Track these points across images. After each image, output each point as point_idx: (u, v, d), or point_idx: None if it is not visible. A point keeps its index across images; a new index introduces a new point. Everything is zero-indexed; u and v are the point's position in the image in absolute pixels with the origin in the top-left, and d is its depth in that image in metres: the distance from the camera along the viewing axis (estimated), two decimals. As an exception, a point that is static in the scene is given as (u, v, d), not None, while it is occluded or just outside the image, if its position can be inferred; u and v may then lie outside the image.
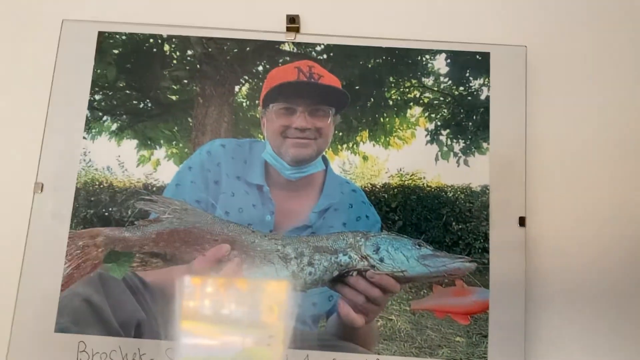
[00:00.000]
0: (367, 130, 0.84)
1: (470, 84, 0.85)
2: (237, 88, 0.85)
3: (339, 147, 0.83)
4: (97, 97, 0.84)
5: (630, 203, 0.83)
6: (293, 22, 0.88)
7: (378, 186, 0.82)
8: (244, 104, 0.85)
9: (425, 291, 0.79)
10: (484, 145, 0.82)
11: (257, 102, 0.84)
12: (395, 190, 0.82)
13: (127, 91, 0.85)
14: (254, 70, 0.85)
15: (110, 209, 0.82)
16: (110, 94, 0.85)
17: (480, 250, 0.79)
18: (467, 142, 0.83)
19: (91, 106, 0.84)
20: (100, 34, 0.86)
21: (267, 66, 0.85)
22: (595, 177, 0.83)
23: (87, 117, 0.84)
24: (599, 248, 0.81)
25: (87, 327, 0.78)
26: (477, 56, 0.85)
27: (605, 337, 0.79)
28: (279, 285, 0.78)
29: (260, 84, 0.85)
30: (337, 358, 0.77)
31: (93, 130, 0.84)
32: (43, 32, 0.88)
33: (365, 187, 0.82)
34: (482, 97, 0.84)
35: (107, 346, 0.77)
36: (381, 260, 0.78)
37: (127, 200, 0.82)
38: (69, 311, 0.78)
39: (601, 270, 0.80)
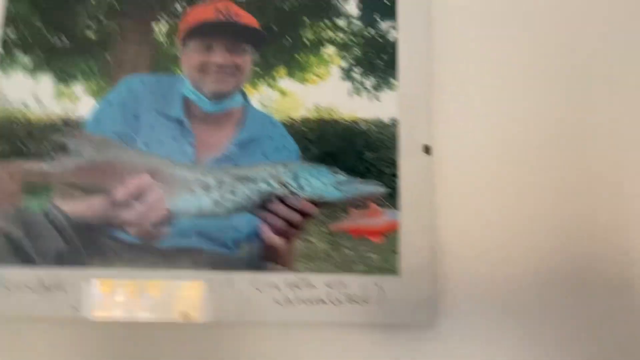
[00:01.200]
0: (285, 67, 0.88)
1: (380, 26, 0.91)
2: (155, 26, 0.87)
3: (258, 82, 0.87)
4: (10, 34, 0.83)
5: (526, 134, 0.92)
6: (211, -33, 0.91)
7: (297, 119, 0.87)
8: (164, 42, 0.87)
9: (342, 214, 0.84)
10: (393, 82, 0.89)
11: (175, 39, 0.87)
12: (313, 123, 0.87)
13: (43, 28, 0.84)
14: (173, 9, 0.87)
15: (27, 143, 0.81)
16: (24, 31, 0.84)
17: (390, 176, 0.86)
18: (378, 80, 0.89)
19: (4, 43, 0.83)
20: (13, -30, 0.85)
21: (185, 4, 0.88)
22: (496, 111, 0.92)
23: (0, 53, 0.83)
24: (496, 169, 0.90)
25: (3, 259, 0.77)
26: (386, 0, 0.92)
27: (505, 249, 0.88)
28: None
29: (178, 22, 0.87)
30: (258, 277, 0.80)
31: (7, 67, 0.82)
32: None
33: (284, 120, 0.86)
34: (391, 38, 0.91)
35: (29, 278, 0.77)
36: (300, 187, 0.82)
37: (45, 135, 0.81)
38: (-16, 245, 0.77)
39: (501, 187, 0.89)
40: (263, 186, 0.82)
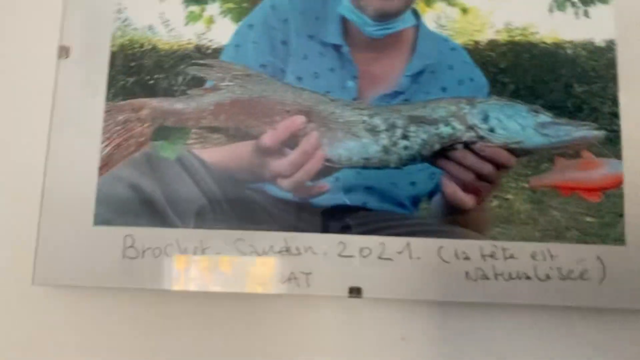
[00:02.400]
0: (467, -24, 0.69)
1: None
2: None
3: (432, -3, 0.69)
4: (130, -57, 0.69)
5: None
6: None
7: (482, 43, 0.68)
8: (314, -52, 0.70)
9: (547, 165, 0.66)
10: (608, -8, 0.69)
11: (329, -56, 0.69)
12: (504, 47, 0.68)
13: None
14: None
15: (155, 76, 0.67)
16: (146, -61, 0.69)
17: (609, 116, 0.66)
18: (587, -11, 0.69)
19: (125, -46, 0.69)
20: None
21: None
22: None
23: (120, -34, 0.68)
24: None
25: (134, 217, 0.64)
26: None
27: None
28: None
29: None
30: (444, 245, 0.63)
31: (129, -17, 0.68)
32: None
33: (467, 44, 0.68)
34: None
35: (161, 240, 0.63)
36: (491, 130, 0.64)
37: (176, 65, 0.67)
38: (110, 199, 0.64)
39: None
40: (444, 129, 0.64)
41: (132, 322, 0.66)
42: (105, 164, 0.64)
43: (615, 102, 0.67)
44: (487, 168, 0.64)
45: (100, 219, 0.64)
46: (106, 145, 0.65)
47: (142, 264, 0.63)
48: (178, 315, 0.66)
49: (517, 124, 0.65)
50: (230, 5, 0.68)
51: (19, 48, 0.70)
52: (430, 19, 0.69)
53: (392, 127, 0.65)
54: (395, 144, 0.65)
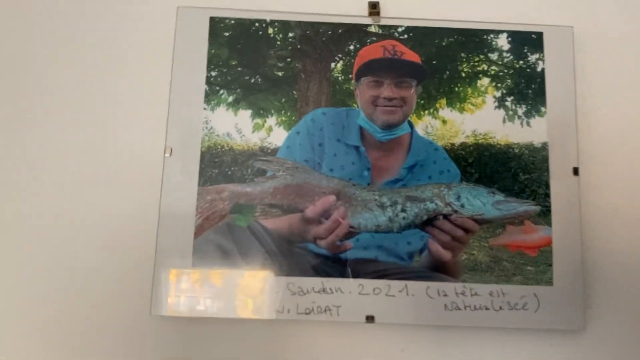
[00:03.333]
0: (445, 98, 0.99)
1: (528, 59, 1.00)
2: (332, 65, 1.00)
3: (422, 112, 0.99)
4: (213, 73, 0.98)
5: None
6: (374, 8, 1.02)
7: (456, 145, 0.98)
8: (340, 79, 1.00)
9: (500, 230, 0.95)
10: (542, 109, 0.98)
11: (350, 76, 0.99)
12: (471, 147, 0.98)
13: (239, 68, 0.99)
14: (346, 49, 1.00)
15: (232, 168, 0.96)
16: (224, 70, 0.98)
17: (543, 196, 0.96)
18: (528, 107, 0.99)
19: (208, 81, 0.98)
20: (212, 18, 1.00)
21: (357, 45, 1.00)
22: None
23: (205, 91, 0.98)
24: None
25: (217, 266, 0.92)
26: (533, 35, 1.01)
27: (645, 265, 0.97)
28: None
29: (352, 60, 0.99)
30: (430, 286, 0.92)
31: (212, 102, 0.97)
32: (160, 18, 1.01)
33: (445, 146, 0.98)
34: (539, 69, 1.00)
35: (236, 279, 0.92)
36: (462, 206, 0.93)
37: (246, 161, 0.96)
38: (202, 255, 0.93)
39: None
40: (430, 205, 0.93)
41: (235, 347, 0.95)
42: (198, 231, 0.93)
43: (547, 186, 0.96)
44: (459, 232, 0.93)
45: (195, 265, 0.92)
46: (198, 218, 0.94)
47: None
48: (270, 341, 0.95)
49: (480, 201, 0.94)
50: (283, 118, 0.98)
51: (137, 148, 0.99)
52: (420, 127, 0.99)
53: (394, 203, 0.94)
54: (397, 215, 0.94)
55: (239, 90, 0.98)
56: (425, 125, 0.99)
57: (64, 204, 0.97)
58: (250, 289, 0.92)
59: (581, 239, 0.95)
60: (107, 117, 1.00)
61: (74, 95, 1.01)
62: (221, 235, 0.93)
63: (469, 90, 1.00)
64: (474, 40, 1.01)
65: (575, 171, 0.96)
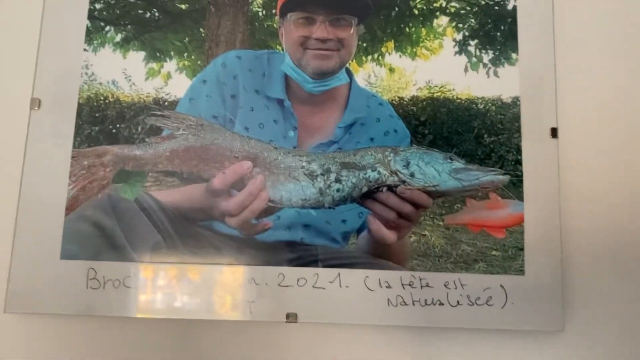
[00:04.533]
0: (393, 41, 0.79)
1: (497, -7, 0.81)
2: (251, -4, 0.79)
3: (363, 58, 0.79)
4: (97, 5, 0.77)
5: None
6: None
7: (406, 99, 0.78)
8: (260, 14, 0.79)
9: (459, 205, 0.76)
10: (513, 55, 0.79)
11: (273, 11, 0.79)
12: (424, 103, 0.78)
13: (132, -1, 0.78)
14: (270, -23, 0.80)
15: (117, 125, 0.75)
16: (112, 2, 0.77)
17: (513, 163, 0.77)
18: (496, 53, 0.80)
19: (91, 15, 0.77)
20: (97, -63, 0.78)
21: (284, -28, 0.80)
22: (628, 85, 0.81)
23: (87, 27, 0.76)
24: (634, 158, 0.79)
25: (97, 252, 0.72)
26: (503, -36, 0.82)
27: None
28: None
29: (277, -9, 0.79)
30: (370, 275, 0.73)
31: (95, 42, 0.76)
32: None
33: (392, 100, 0.78)
34: (509, 6, 0.80)
35: (121, 272, 0.72)
36: (412, 175, 0.74)
37: (136, 116, 0.75)
38: (76, 236, 0.72)
39: (638, 179, 0.79)
40: (371, 174, 0.74)
41: (96, 346, 0.74)
42: (71, 205, 0.72)
43: (519, 151, 0.77)
44: (407, 208, 0.73)
45: (66, 254, 0.72)
46: (72, 188, 0.73)
47: (103, 293, 0.71)
48: (137, 339, 0.74)
49: (434, 169, 0.75)
50: (186, 62, 0.77)
51: (-5, 99, 0.78)
52: (361, 77, 0.79)
53: (327, 172, 0.74)
54: (329, 186, 0.74)
55: (129, 26, 0.77)
56: (367, 75, 0.79)
57: None
58: (135, 281, 0.71)
59: (560, 216, 0.75)
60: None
61: None
62: (101, 210, 0.72)
63: (423, 31, 0.80)
64: (430, -30, 0.81)
65: (554, 132, 0.77)
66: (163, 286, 0.71)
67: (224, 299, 0.72)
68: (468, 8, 0.81)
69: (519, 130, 0.78)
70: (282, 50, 0.78)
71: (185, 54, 0.77)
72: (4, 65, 0.78)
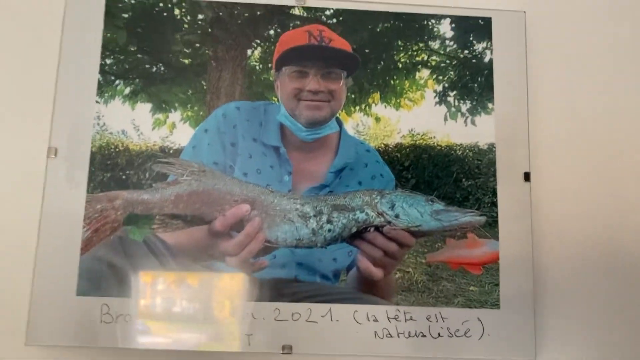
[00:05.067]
0: (379, 93, 0.86)
1: (474, 48, 0.88)
2: (249, 52, 0.86)
3: (352, 109, 0.86)
4: (108, 61, 0.84)
5: (630, 158, 0.88)
6: (301, -12, 0.89)
7: (391, 146, 0.85)
8: (257, 68, 0.86)
9: (440, 244, 0.83)
10: (489, 105, 0.86)
11: (269, 65, 0.86)
12: (408, 149, 0.85)
13: (139, 55, 0.84)
14: (266, 34, 0.87)
15: (127, 172, 0.81)
16: (121, 58, 0.84)
17: (489, 205, 0.84)
18: (474, 103, 0.87)
19: (102, 70, 0.83)
20: (108, -3, 0.85)
21: (279, 30, 0.87)
22: (597, 133, 0.89)
23: (98, 81, 0.83)
24: (601, 200, 0.87)
25: (109, 289, 0.78)
26: (480, 21, 0.89)
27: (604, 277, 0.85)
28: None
29: (272, 47, 0.86)
30: (359, 310, 0.79)
31: (106, 94, 0.83)
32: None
33: (378, 147, 0.85)
34: (486, 60, 0.88)
35: (131, 308, 0.78)
36: (397, 216, 0.81)
37: (144, 163, 0.82)
38: (90, 274, 0.78)
39: (604, 220, 0.86)
40: (360, 215, 0.80)
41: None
42: (86, 245, 0.78)
43: (494, 193, 0.84)
44: (392, 247, 0.80)
45: (82, 291, 0.78)
46: (87, 230, 0.79)
47: (116, 327, 0.77)
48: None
49: (417, 211, 0.81)
50: (189, 113, 0.84)
51: (14, 148, 0.84)
52: (350, 126, 0.86)
53: (319, 213, 0.81)
54: (321, 227, 0.80)
55: (137, 80, 0.84)
56: (355, 124, 0.86)
57: None
58: (146, 315, 0.78)
59: (532, 254, 0.82)
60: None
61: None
62: (112, 250, 0.79)
63: (407, 83, 0.87)
64: (412, 26, 0.88)
65: (527, 177, 0.84)
66: (170, 321, 0.78)
67: (225, 332, 0.78)
68: (448, 61, 0.88)
69: (494, 175, 0.85)
70: (278, 101, 0.85)
71: (189, 105, 0.84)
72: (23, 116, 0.84)
